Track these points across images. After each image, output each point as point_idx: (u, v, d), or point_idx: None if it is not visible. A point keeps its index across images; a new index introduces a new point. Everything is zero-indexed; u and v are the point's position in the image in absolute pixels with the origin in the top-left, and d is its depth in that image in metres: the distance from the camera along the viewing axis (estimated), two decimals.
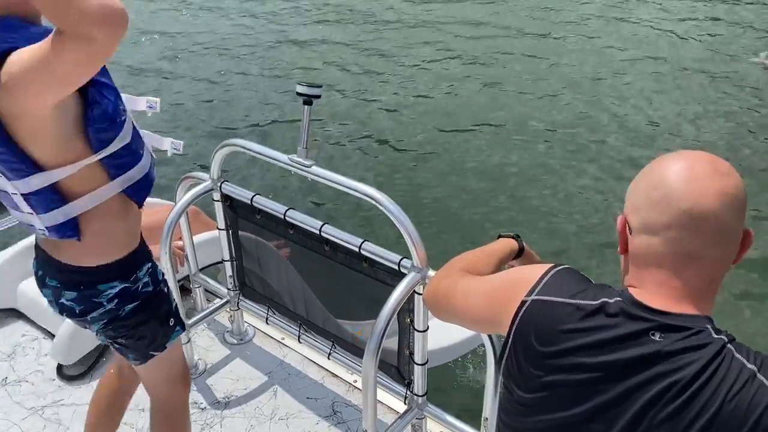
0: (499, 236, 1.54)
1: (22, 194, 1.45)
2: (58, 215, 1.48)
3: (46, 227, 1.50)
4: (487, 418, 1.93)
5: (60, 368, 2.61)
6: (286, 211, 2.14)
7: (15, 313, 2.91)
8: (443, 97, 7.70)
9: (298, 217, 2.12)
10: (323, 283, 2.26)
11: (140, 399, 2.47)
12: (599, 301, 1.08)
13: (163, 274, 1.76)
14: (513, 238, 1.53)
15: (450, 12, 10.55)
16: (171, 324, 1.76)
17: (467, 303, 1.29)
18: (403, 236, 1.83)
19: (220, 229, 2.46)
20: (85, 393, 2.50)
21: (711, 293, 1.07)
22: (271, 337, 2.80)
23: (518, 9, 10.61)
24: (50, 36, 1.21)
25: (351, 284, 2.10)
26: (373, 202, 1.86)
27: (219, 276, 2.88)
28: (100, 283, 1.59)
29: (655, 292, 1.06)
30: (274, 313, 2.49)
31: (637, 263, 1.09)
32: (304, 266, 2.28)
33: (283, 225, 2.18)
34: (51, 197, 1.45)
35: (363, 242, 1.95)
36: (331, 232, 2.03)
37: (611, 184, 5.90)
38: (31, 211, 1.48)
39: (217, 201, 2.38)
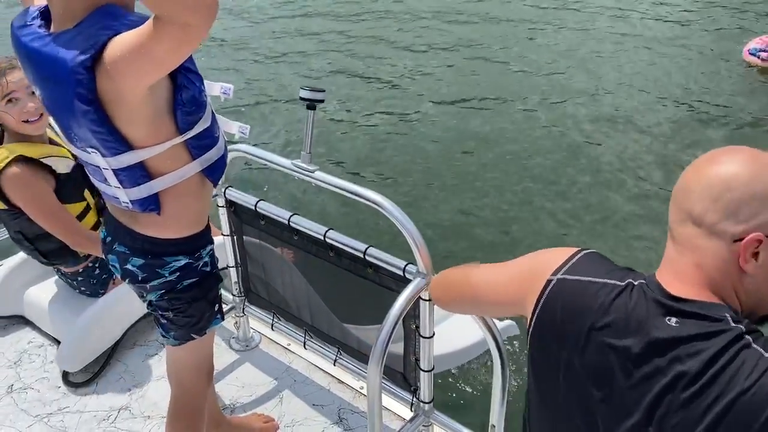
0: None
1: (113, 169, 1.55)
2: (143, 190, 1.59)
3: (131, 200, 1.61)
4: (494, 426, 1.91)
5: (66, 375, 2.60)
6: (291, 216, 2.13)
7: (22, 320, 2.91)
8: (450, 102, 7.69)
9: (302, 223, 2.10)
10: (328, 288, 2.24)
11: (144, 407, 2.47)
12: (625, 282, 1.08)
13: (217, 260, 1.85)
14: None
15: (458, 7, 10.54)
16: (215, 309, 1.85)
17: (489, 285, 1.30)
18: (407, 242, 1.81)
19: (224, 235, 2.45)
20: (90, 400, 2.50)
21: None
22: (277, 343, 2.79)
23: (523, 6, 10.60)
24: (147, 22, 1.30)
25: (356, 290, 2.08)
26: (378, 208, 1.84)
27: (225, 282, 2.87)
28: (167, 255, 1.70)
29: (681, 280, 1.05)
30: (280, 319, 2.48)
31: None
32: (309, 272, 2.26)
33: (288, 231, 2.16)
34: (139, 173, 1.56)
35: (368, 248, 1.94)
36: (336, 238, 2.01)
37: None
38: (118, 185, 1.59)
39: (222, 207, 2.37)
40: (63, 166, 2.46)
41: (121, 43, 1.34)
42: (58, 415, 2.44)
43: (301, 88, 1.93)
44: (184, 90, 1.50)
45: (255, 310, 2.57)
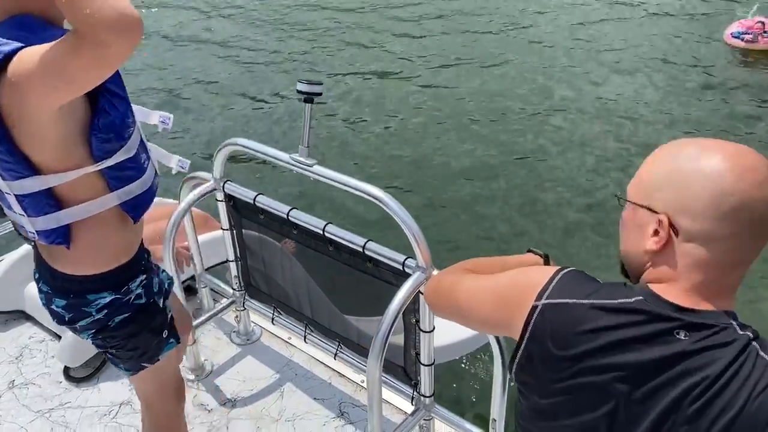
0: (528, 251, 1.44)
1: (15, 195, 1.42)
2: (51, 221, 1.45)
3: (36, 231, 1.47)
4: (495, 420, 1.90)
5: (67, 370, 2.61)
6: (289, 210, 2.11)
7: (22, 315, 2.91)
8: (449, 95, 7.66)
9: (301, 217, 2.09)
10: (328, 282, 2.23)
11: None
12: (618, 301, 1.03)
13: (160, 285, 1.72)
14: (541, 256, 1.41)
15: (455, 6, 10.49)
16: (164, 336, 1.71)
17: (472, 302, 1.23)
18: (407, 236, 1.80)
19: (224, 229, 2.44)
20: (91, 395, 2.50)
21: (737, 288, 1.04)
22: (278, 337, 2.78)
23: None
24: (65, 35, 1.18)
25: (356, 284, 2.07)
26: (377, 202, 1.83)
27: (226, 276, 2.86)
28: (90, 293, 1.56)
29: (686, 291, 1.02)
30: (280, 314, 2.47)
31: (678, 265, 1.03)
32: (309, 266, 2.25)
33: (287, 225, 2.15)
34: (45, 201, 1.42)
35: (367, 242, 1.92)
36: (335, 232, 2.00)
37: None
38: (22, 212, 1.45)
39: (221, 201, 2.36)
40: None
41: (29, 55, 1.22)
42: (60, 410, 2.44)
43: (299, 81, 1.91)
44: (103, 115, 1.37)
45: (255, 303, 2.56)
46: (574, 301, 1.06)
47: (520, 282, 1.16)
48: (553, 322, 1.06)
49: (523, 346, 1.10)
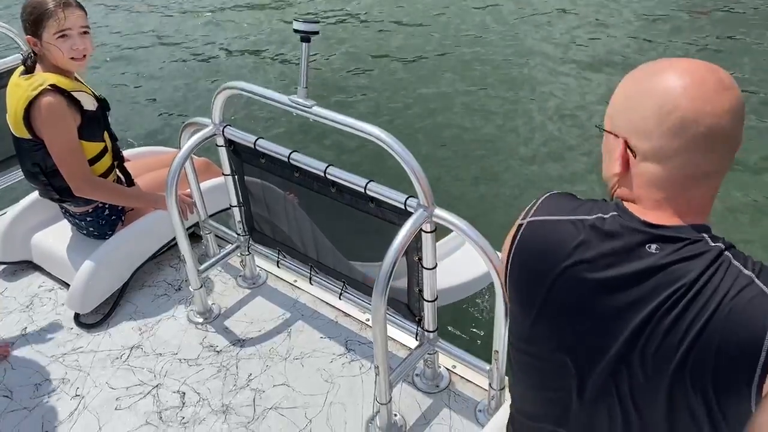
0: None
1: None
2: None
3: None
4: (497, 351, 1.95)
5: (77, 317, 2.66)
6: (290, 153, 2.12)
7: (30, 265, 2.95)
8: (451, 34, 7.53)
9: (302, 160, 2.10)
10: (332, 225, 2.26)
11: (156, 345, 2.52)
12: (595, 216, 1.07)
13: None
14: None
15: None
16: None
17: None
18: (408, 175, 1.81)
19: (225, 175, 2.46)
20: (102, 340, 2.56)
21: (710, 205, 1.06)
22: (284, 280, 2.83)
23: None
24: None
25: (359, 225, 2.09)
26: (377, 141, 1.83)
27: (230, 223, 2.89)
28: None
29: (653, 209, 1.05)
30: (285, 257, 2.50)
31: (638, 184, 1.07)
32: (312, 209, 2.27)
33: (288, 168, 2.16)
34: None
35: (368, 182, 1.94)
36: (336, 174, 2.01)
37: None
38: None
39: (221, 146, 2.36)
40: (89, 103, 2.49)
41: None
42: (72, 354, 2.51)
43: (295, 20, 1.88)
44: None
45: (260, 248, 2.59)
46: (555, 217, 1.12)
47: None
48: (535, 238, 1.12)
49: (510, 261, 1.16)
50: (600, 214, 1.08)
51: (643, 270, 1.00)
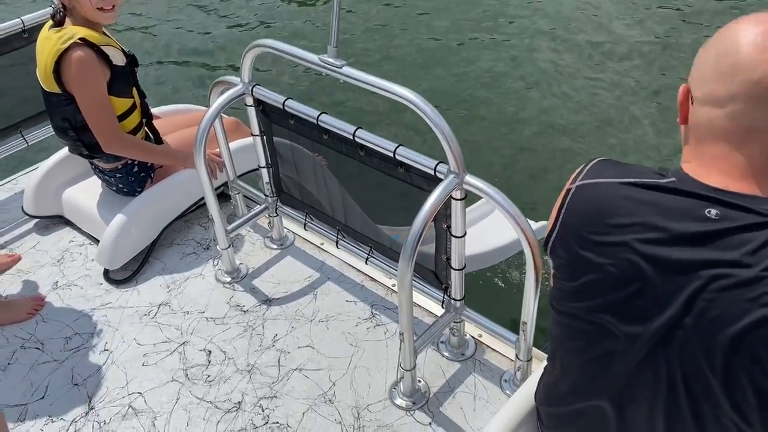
0: None
1: None
2: None
3: None
4: (525, 323, 1.92)
5: (106, 273, 2.69)
6: (319, 115, 2.08)
7: (62, 220, 2.99)
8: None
9: (331, 122, 2.06)
10: (360, 188, 2.22)
11: (183, 302, 2.54)
12: (650, 180, 1.03)
13: None
14: None
15: None
16: None
17: None
18: (439, 140, 1.76)
19: (254, 135, 2.43)
20: (131, 296, 2.59)
21: None
22: (311, 243, 2.82)
23: None
24: None
25: (387, 190, 2.06)
26: (408, 104, 1.77)
27: (258, 184, 2.88)
28: None
29: (711, 167, 1.01)
30: (312, 220, 2.48)
31: (697, 136, 1.04)
32: (340, 172, 2.24)
33: (317, 130, 2.12)
34: None
35: (398, 147, 1.89)
36: (365, 137, 1.97)
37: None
38: None
39: (250, 106, 2.33)
40: (118, 58, 2.48)
41: None
42: (102, 310, 2.54)
43: None
44: None
45: (288, 210, 2.58)
46: (606, 180, 1.08)
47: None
48: (585, 202, 1.09)
49: (557, 225, 1.13)
50: (656, 178, 1.04)
51: (702, 234, 0.96)
